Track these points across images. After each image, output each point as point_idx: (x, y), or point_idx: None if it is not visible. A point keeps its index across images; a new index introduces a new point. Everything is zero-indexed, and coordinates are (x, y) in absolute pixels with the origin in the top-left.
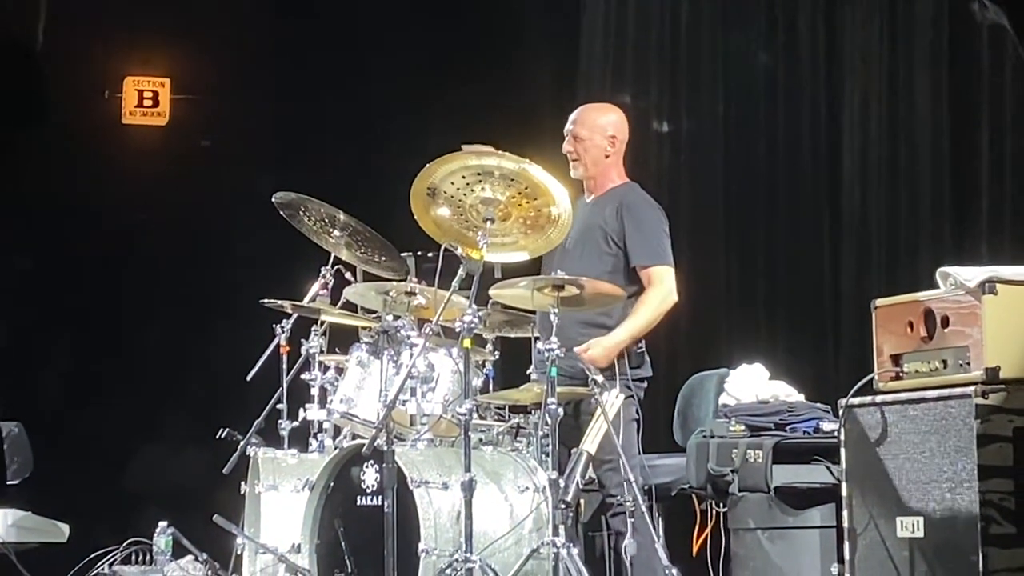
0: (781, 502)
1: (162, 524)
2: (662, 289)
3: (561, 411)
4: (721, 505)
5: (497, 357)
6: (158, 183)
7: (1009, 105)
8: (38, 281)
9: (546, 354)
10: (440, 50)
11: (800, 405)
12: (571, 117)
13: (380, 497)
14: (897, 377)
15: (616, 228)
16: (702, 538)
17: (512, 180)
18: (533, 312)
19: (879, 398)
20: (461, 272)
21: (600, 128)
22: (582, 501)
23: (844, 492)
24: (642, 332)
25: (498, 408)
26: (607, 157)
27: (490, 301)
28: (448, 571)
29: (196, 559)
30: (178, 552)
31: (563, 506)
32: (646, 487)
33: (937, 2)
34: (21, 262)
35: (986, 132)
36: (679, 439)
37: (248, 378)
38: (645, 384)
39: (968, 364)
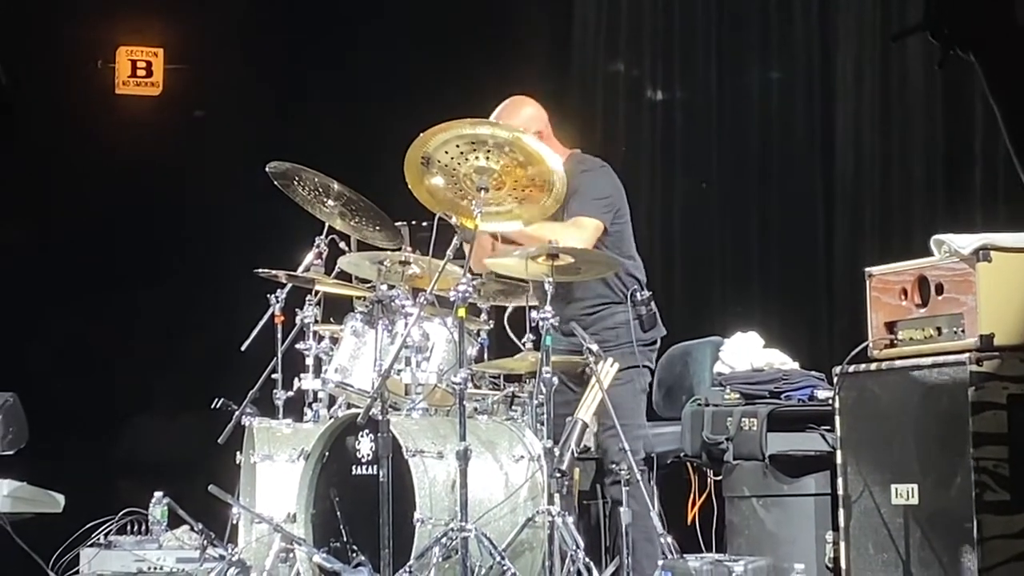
0: (776, 470)
1: (157, 494)
2: (575, 230)
3: (556, 380)
4: (716, 473)
5: (491, 326)
6: (152, 153)
7: None
8: (31, 252)
9: (541, 323)
10: (434, 19)
11: (795, 373)
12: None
13: (375, 466)
14: (891, 345)
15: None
16: (697, 506)
17: (506, 149)
18: (526, 281)
19: (873, 366)
20: (455, 241)
21: (527, 127)
22: (577, 470)
23: (838, 460)
24: (540, 236)
25: (493, 377)
26: None
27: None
28: (443, 540)
29: (191, 529)
30: (173, 522)
31: (558, 475)
32: (650, 455)
33: None
34: (13, 233)
35: (980, 98)
36: (660, 410)
37: (243, 348)
38: (656, 346)
39: (962, 331)
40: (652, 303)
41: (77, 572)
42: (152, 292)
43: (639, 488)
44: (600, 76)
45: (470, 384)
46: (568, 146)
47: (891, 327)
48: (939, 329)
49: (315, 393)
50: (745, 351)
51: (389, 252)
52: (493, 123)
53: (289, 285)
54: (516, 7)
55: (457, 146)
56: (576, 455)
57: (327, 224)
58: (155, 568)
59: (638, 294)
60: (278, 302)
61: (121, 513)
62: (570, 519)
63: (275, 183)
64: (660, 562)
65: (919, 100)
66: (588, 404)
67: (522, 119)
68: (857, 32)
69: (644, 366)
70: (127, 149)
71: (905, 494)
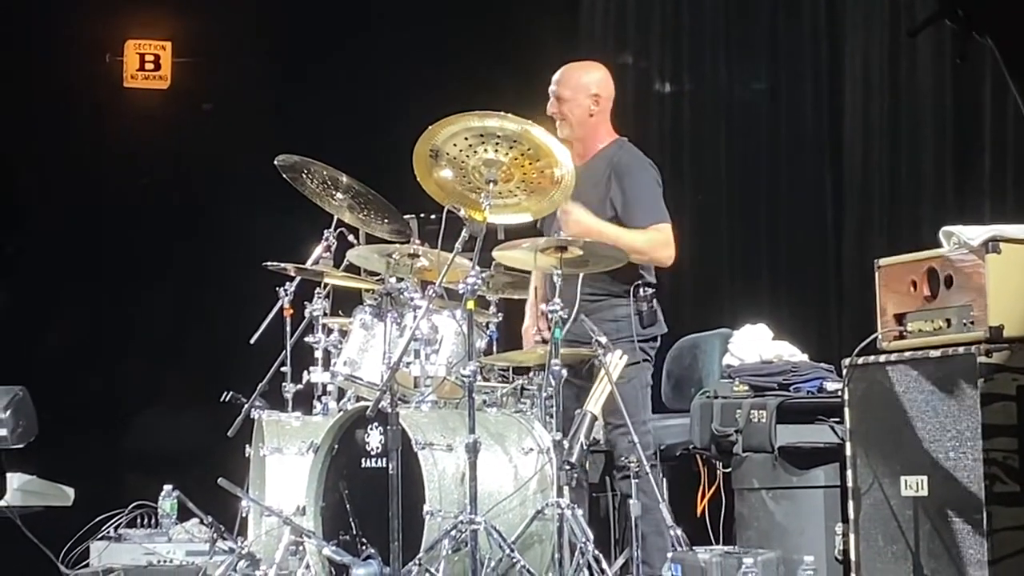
0: (785, 462)
1: (167, 487)
2: (664, 237)
3: (565, 372)
4: (725, 465)
5: (500, 319)
6: (160, 147)
7: None
8: (40, 245)
9: (550, 315)
10: (442, 11)
11: (804, 365)
12: (554, 77)
13: (384, 459)
14: (901, 336)
15: (611, 192)
16: (706, 498)
17: (514, 142)
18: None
19: (883, 357)
20: (464, 234)
21: (583, 87)
22: (587, 463)
23: (848, 452)
24: (618, 243)
25: (502, 370)
26: (592, 116)
27: (493, 263)
28: (453, 533)
29: (201, 522)
30: (183, 515)
31: (568, 467)
32: (660, 448)
33: None
34: (21, 226)
35: (988, 90)
36: (669, 402)
37: (252, 341)
38: (657, 343)
39: (972, 323)
40: (654, 300)
41: (87, 565)
42: (161, 285)
43: (648, 481)
44: (609, 68)
45: (479, 377)
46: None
47: (900, 319)
48: (948, 321)
49: (324, 386)
50: (754, 343)
51: (398, 245)
52: (502, 115)
53: (298, 278)
54: (524, 1)
55: (466, 138)
56: (585, 448)
57: (336, 217)
58: (165, 561)
59: (641, 289)
60: (287, 295)
61: (131, 506)
62: (579, 511)
63: (284, 176)
64: (669, 554)
65: (927, 91)
66: (597, 397)
67: (587, 78)
68: (865, 23)
69: (645, 360)
70: (136, 142)
71: (915, 486)
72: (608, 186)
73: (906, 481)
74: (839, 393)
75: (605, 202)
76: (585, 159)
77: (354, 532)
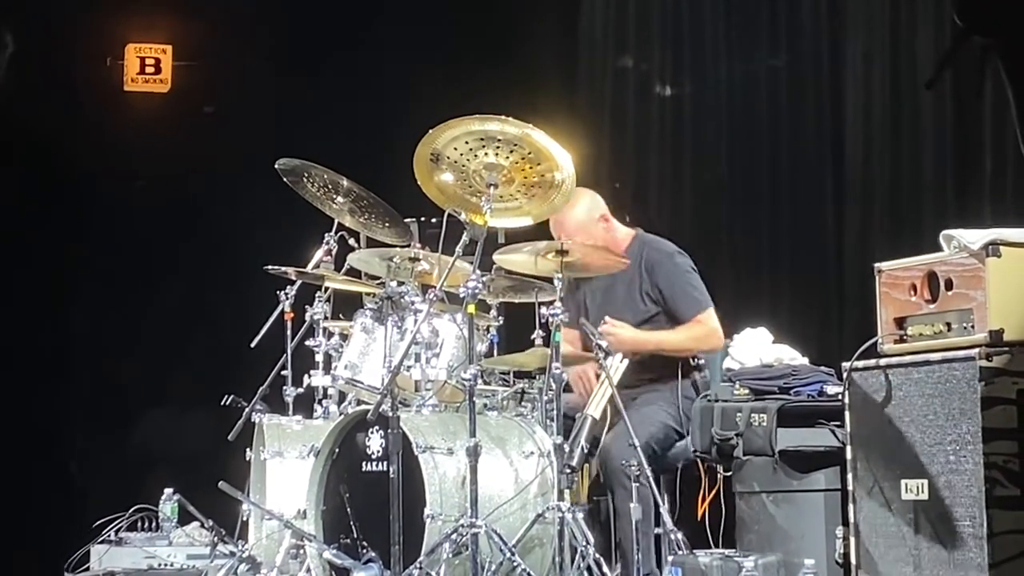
0: (786, 465)
1: (168, 491)
2: (704, 328)
3: (566, 376)
4: (726, 469)
5: (501, 322)
6: (161, 149)
7: None
8: (41, 249)
9: (551, 319)
10: (442, 14)
11: (804, 368)
12: (555, 230)
13: (385, 463)
14: (901, 340)
15: (644, 287)
16: (707, 502)
17: (515, 145)
18: (536, 277)
19: (883, 361)
20: (465, 238)
21: (588, 223)
22: (587, 466)
23: (848, 455)
24: (667, 348)
25: (502, 373)
26: (607, 232)
27: (494, 266)
28: (454, 536)
29: (202, 525)
30: (184, 519)
31: (568, 470)
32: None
33: None
34: (24, 230)
35: (989, 93)
36: None
37: (252, 344)
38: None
39: (972, 327)
40: (705, 371)
41: (87, 569)
42: (162, 288)
43: (647, 485)
44: (609, 71)
45: (480, 380)
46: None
47: (901, 323)
48: (949, 325)
49: (325, 390)
50: (754, 346)
51: (399, 248)
52: (503, 119)
53: (299, 282)
54: (525, 5)
55: (466, 142)
56: (586, 451)
57: (336, 221)
58: (166, 564)
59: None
60: (288, 299)
61: (132, 510)
62: (580, 514)
63: (284, 180)
64: (670, 558)
65: (928, 94)
66: (597, 400)
67: (584, 211)
68: (866, 25)
69: None
70: (136, 146)
71: (915, 489)
72: (640, 282)
73: (906, 485)
74: (839, 397)
75: (641, 298)
76: None
77: (355, 535)
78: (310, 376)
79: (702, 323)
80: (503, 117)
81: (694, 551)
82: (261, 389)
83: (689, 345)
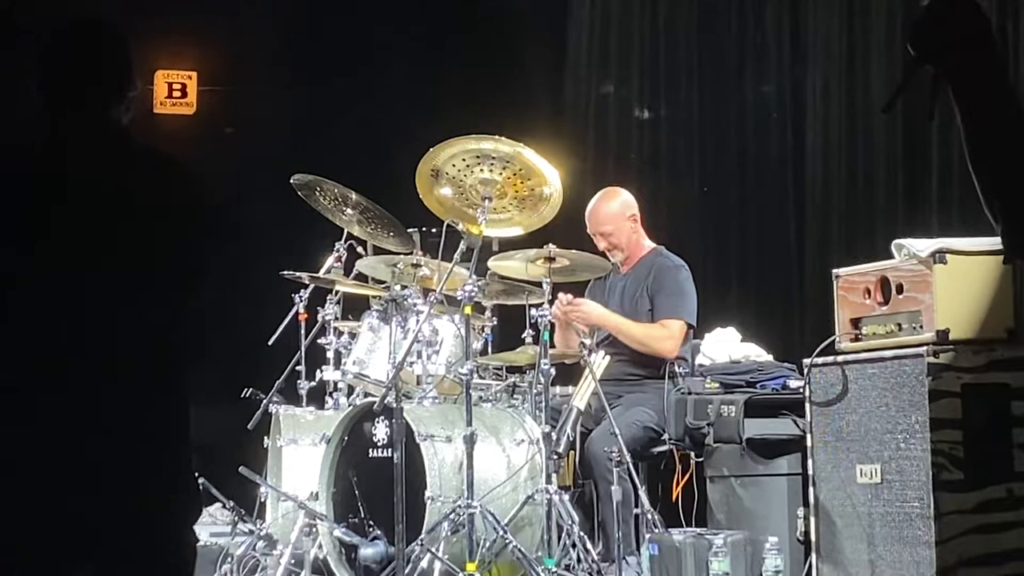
0: (752, 452)
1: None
2: (665, 332)
3: (554, 371)
4: (698, 455)
5: (495, 322)
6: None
7: None
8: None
9: (539, 319)
10: (442, 45)
11: (769, 365)
12: (590, 218)
13: (390, 449)
14: (856, 339)
15: (649, 290)
16: (681, 485)
17: (508, 162)
18: (526, 282)
19: (840, 358)
20: (462, 246)
21: (619, 216)
22: (572, 452)
23: (809, 443)
24: (623, 335)
25: (496, 369)
26: (634, 233)
27: (488, 272)
28: (452, 516)
29: (224, 506)
30: (207, 500)
31: (555, 456)
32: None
33: None
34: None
35: (936, 115)
36: None
37: (270, 343)
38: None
39: (921, 327)
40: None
41: None
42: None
43: (627, 470)
44: (592, 97)
45: (475, 375)
46: (564, 165)
47: (856, 323)
48: (899, 325)
49: (335, 383)
50: (724, 345)
51: (402, 256)
52: (496, 139)
53: (312, 286)
54: (517, 37)
55: (464, 159)
56: (571, 439)
57: (346, 230)
58: None
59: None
60: (302, 301)
61: None
62: (566, 496)
63: (299, 193)
64: (648, 536)
65: (881, 117)
66: (582, 393)
67: (619, 206)
68: (825, 54)
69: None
70: None
71: (869, 474)
72: (647, 286)
73: (861, 469)
74: (801, 390)
75: (643, 298)
76: (631, 265)
77: (362, 515)
78: (322, 371)
79: (666, 327)
80: (497, 137)
81: (669, 529)
82: (277, 383)
83: (643, 340)
